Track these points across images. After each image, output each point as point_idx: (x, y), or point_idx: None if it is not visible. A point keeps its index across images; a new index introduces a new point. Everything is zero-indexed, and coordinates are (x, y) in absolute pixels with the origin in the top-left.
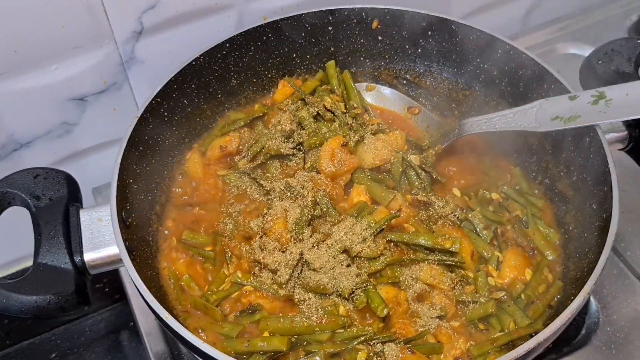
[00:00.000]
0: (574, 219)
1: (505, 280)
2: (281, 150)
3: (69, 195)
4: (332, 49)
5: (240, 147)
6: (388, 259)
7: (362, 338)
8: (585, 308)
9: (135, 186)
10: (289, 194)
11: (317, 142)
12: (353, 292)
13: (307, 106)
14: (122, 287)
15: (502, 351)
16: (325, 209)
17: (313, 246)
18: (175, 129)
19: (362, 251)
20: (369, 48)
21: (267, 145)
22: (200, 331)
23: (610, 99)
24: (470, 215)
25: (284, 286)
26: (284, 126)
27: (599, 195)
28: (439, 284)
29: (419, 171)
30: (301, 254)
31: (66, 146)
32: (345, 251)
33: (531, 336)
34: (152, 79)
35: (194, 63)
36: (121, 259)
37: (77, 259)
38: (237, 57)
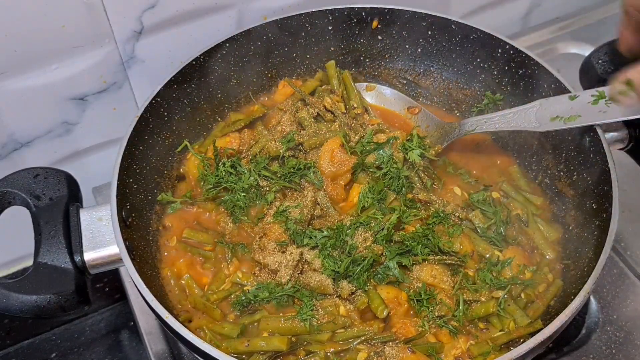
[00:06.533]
0: (574, 219)
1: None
2: (281, 151)
3: (69, 195)
4: (332, 49)
5: (241, 147)
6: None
7: (363, 338)
8: (585, 308)
9: (136, 186)
10: (289, 194)
11: (318, 142)
12: (354, 293)
13: (307, 107)
14: (122, 286)
15: (502, 350)
16: (325, 209)
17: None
18: (175, 129)
19: (362, 251)
20: (369, 48)
21: (267, 146)
22: (200, 331)
23: None
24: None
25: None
26: (284, 127)
27: (598, 195)
28: (440, 283)
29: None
30: (301, 254)
31: (66, 146)
32: None
33: (531, 335)
34: (152, 79)
35: (194, 63)
36: (121, 259)
37: (77, 258)
38: (237, 57)
